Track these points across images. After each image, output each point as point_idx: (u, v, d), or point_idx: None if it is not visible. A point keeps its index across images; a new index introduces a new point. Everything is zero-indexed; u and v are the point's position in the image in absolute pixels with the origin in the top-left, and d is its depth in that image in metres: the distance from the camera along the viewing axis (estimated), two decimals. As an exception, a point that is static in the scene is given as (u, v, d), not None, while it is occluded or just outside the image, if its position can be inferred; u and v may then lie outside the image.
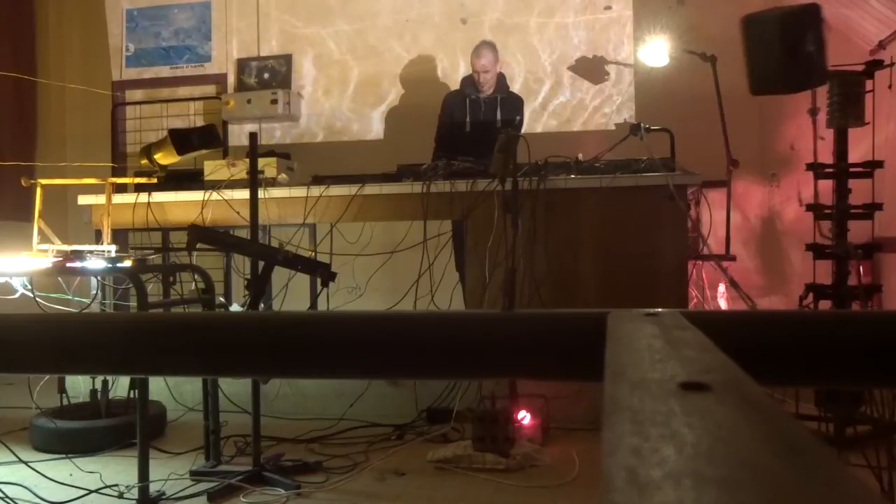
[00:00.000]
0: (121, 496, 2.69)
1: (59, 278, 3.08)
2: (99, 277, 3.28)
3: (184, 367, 0.88)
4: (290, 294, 3.97)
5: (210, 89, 5.92)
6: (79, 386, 3.85)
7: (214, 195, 3.99)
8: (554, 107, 5.44)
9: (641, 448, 0.28)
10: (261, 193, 3.51)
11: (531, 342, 0.69)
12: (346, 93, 5.75)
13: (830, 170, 3.27)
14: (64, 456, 3.13)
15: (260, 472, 2.85)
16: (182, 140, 3.43)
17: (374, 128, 5.71)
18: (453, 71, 5.51)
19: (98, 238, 3.72)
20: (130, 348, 0.75)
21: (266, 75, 5.81)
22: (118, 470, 2.98)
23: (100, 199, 3.95)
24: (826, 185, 3.33)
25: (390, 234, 4.16)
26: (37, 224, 3.12)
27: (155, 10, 6.07)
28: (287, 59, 5.81)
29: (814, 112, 3.34)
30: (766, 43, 2.98)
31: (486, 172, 3.61)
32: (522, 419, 3.25)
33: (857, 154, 3.43)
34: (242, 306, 3.36)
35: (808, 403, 3.12)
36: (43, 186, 3.28)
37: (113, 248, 3.20)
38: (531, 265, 3.60)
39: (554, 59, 5.45)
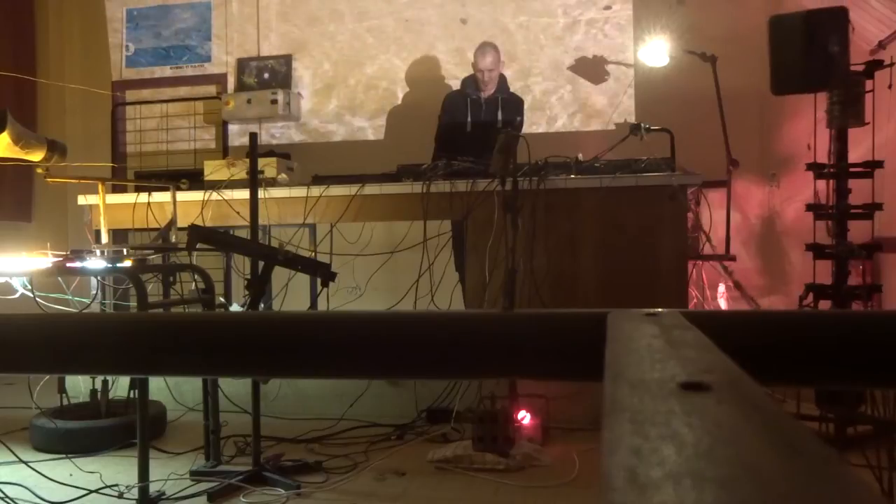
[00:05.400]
0: (121, 496, 2.69)
1: (59, 278, 3.08)
2: (99, 277, 3.28)
3: (184, 367, 0.88)
4: (290, 294, 3.97)
5: (210, 89, 5.92)
6: (79, 386, 3.85)
7: (214, 195, 3.99)
8: (554, 107, 5.44)
9: (641, 448, 0.28)
10: (261, 193, 3.51)
11: (531, 342, 0.69)
12: (345, 92, 5.75)
13: (830, 170, 3.27)
14: (64, 456, 3.13)
15: (260, 472, 2.85)
16: None
17: (375, 128, 5.71)
18: (453, 71, 5.51)
19: (98, 238, 3.72)
20: (130, 348, 0.75)
21: (266, 75, 5.81)
22: (118, 470, 2.98)
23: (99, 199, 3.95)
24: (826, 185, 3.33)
25: (390, 234, 4.16)
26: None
27: (155, 10, 6.07)
28: (287, 59, 5.81)
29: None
30: (792, 43, 3.03)
31: (486, 172, 3.61)
32: (522, 419, 3.25)
33: (857, 154, 3.43)
34: (242, 306, 3.36)
35: (809, 403, 3.12)
36: (51, 186, 3.27)
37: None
38: (531, 265, 3.60)
39: (554, 58, 5.45)
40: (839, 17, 3.05)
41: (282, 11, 5.86)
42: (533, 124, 5.29)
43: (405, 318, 0.80)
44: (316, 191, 3.92)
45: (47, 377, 3.64)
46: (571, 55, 5.43)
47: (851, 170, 3.26)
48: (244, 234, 3.52)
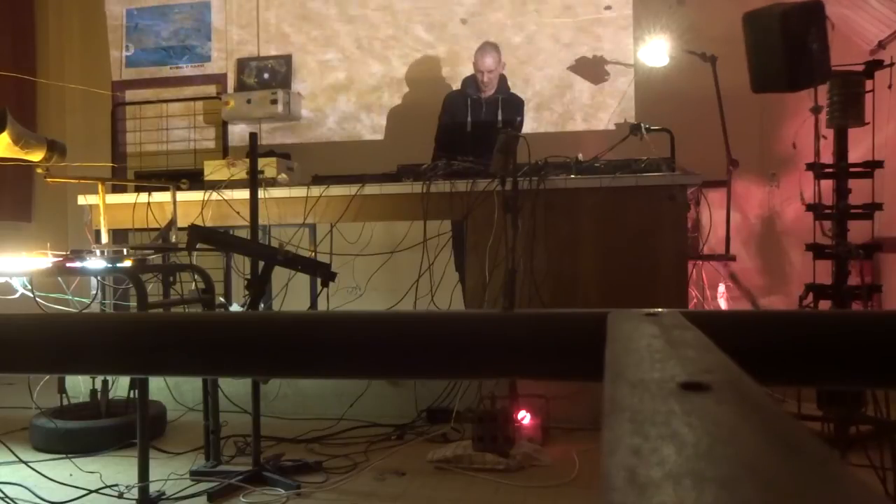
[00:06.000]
0: (121, 496, 2.69)
1: (59, 278, 3.08)
2: (99, 277, 3.28)
3: (184, 367, 0.88)
4: (290, 294, 3.97)
5: (210, 89, 5.92)
6: (79, 386, 3.85)
7: (214, 195, 3.99)
8: (554, 107, 5.44)
9: (641, 448, 0.28)
10: (261, 193, 3.51)
11: (531, 342, 0.69)
12: (345, 92, 5.75)
13: (830, 170, 3.27)
14: (64, 456, 3.13)
15: (260, 472, 2.85)
16: None
17: (374, 128, 5.71)
18: (453, 71, 5.51)
19: (98, 238, 3.72)
20: (130, 348, 0.75)
21: (266, 75, 5.81)
22: (118, 470, 2.98)
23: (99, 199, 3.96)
24: (826, 185, 3.32)
25: (390, 234, 4.16)
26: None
27: (155, 10, 6.07)
28: (287, 59, 5.81)
29: (816, 110, 3.33)
30: (769, 40, 2.96)
31: (486, 172, 3.61)
32: (522, 419, 3.25)
33: (857, 154, 3.43)
34: (242, 306, 3.36)
35: (809, 403, 3.12)
36: (51, 186, 3.28)
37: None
38: (531, 265, 3.60)
39: (554, 58, 5.45)
40: (816, 12, 2.98)
41: (281, 11, 5.85)
42: (533, 124, 5.29)
43: (405, 318, 0.80)
44: (316, 191, 3.92)
45: (47, 377, 3.65)
46: (571, 55, 5.43)
47: (851, 170, 3.26)
48: (244, 234, 3.51)
